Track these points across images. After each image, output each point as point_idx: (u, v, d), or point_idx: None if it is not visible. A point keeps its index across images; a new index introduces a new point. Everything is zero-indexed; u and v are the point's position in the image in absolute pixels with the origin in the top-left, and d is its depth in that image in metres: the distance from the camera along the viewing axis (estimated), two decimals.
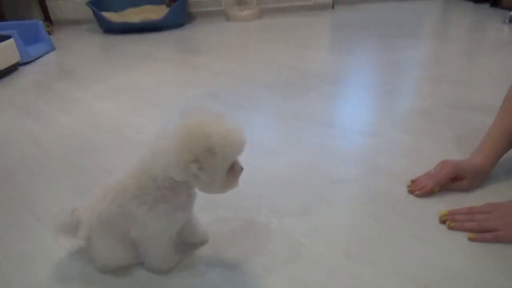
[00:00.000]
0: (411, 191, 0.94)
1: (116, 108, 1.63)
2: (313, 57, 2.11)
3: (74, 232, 0.75)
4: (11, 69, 2.17)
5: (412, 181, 0.97)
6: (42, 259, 0.84)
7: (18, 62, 2.23)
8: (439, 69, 1.78)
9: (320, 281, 0.73)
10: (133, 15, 3.11)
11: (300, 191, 1.00)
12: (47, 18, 3.33)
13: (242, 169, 0.69)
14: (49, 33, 3.03)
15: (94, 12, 2.97)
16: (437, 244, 0.79)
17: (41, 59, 2.45)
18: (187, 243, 0.83)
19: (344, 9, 3.28)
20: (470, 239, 0.78)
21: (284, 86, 1.71)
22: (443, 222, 0.83)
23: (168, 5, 3.13)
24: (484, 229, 0.79)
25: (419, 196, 0.92)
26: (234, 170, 0.67)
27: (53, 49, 2.64)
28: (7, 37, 2.14)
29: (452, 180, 0.92)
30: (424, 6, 3.08)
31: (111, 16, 3.02)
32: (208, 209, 0.95)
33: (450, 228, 0.82)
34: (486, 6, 2.80)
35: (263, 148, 1.23)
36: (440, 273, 0.72)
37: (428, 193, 0.92)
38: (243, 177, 1.03)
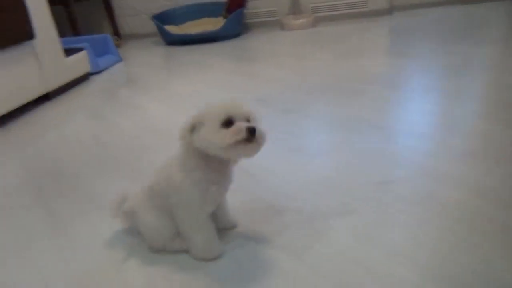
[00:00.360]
0: None
1: (170, 112, 1.73)
2: (367, 62, 2.07)
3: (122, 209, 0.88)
4: (83, 79, 2.38)
5: None
6: (98, 243, 0.91)
7: (89, 72, 2.44)
8: (505, 74, 1.66)
9: (358, 279, 0.72)
10: (192, 28, 3.27)
11: (345, 192, 0.99)
12: (116, 33, 3.61)
13: (249, 128, 0.70)
14: (118, 46, 3.28)
15: (157, 26, 3.16)
16: (487, 250, 0.74)
17: (109, 69, 2.66)
18: (218, 228, 0.87)
19: (402, 14, 3.18)
20: None
21: (335, 91, 1.70)
22: None
23: (224, 17, 3.25)
24: None
25: None
26: (233, 128, 0.70)
27: (120, 60, 2.86)
28: (80, 50, 2.36)
29: None
30: (488, 10, 2.89)
31: (172, 29, 3.21)
32: (253, 206, 0.98)
33: None
34: None
35: (310, 150, 1.24)
36: (484, 280, 0.68)
37: None
38: (287, 177, 1.04)
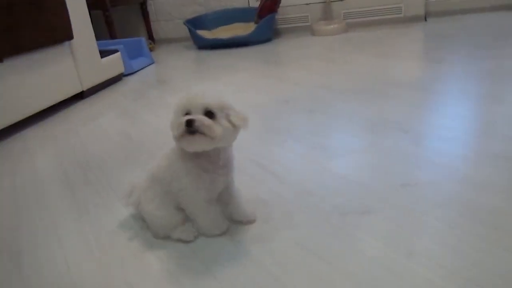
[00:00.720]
0: None
1: None
2: (398, 66, 2.02)
3: (131, 200, 0.93)
4: (116, 79, 2.46)
5: None
6: (118, 228, 0.94)
7: (122, 73, 2.52)
8: None
9: (377, 277, 0.69)
10: (224, 32, 3.32)
11: (366, 191, 0.96)
12: (150, 37, 3.73)
13: (186, 120, 0.72)
14: (151, 49, 3.38)
15: (189, 30, 3.24)
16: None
17: (142, 71, 2.74)
18: (234, 221, 0.90)
19: (437, 20, 3.10)
20: None
21: (362, 93, 1.67)
22: None
23: (256, 22, 3.28)
24: None
25: None
26: (177, 121, 0.75)
27: (152, 62, 2.94)
28: (115, 52, 2.45)
29: None
30: None
31: (204, 33, 3.27)
32: (271, 202, 0.97)
33: None
34: None
35: (332, 150, 1.22)
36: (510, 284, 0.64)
37: None
38: (308, 175, 1.03)
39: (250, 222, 0.90)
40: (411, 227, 0.82)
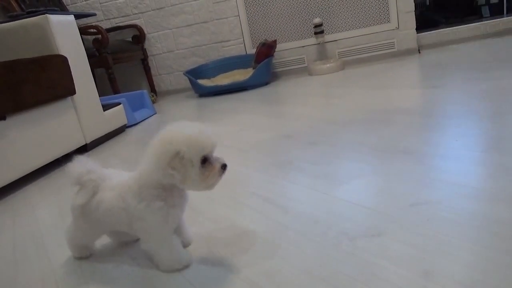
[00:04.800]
0: None
1: None
2: (396, 95, 2.03)
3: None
4: (119, 130, 2.49)
5: None
6: (122, 278, 0.89)
7: (125, 125, 2.55)
8: None
9: None
10: (223, 79, 3.40)
11: (375, 214, 0.92)
12: (152, 90, 3.83)
13: (223, 165, 0.78)
14: (154, 101, 3.46)
15: (189, 79, 3.32)
16: None
17: (145, 121, 2.78)
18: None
19: (431, 52, 3.16)
20: None
21: (362, 123, 1.66)
22: None
23: (254, 68, 3.37)
24: None
25: None
26: (211, 165, 0.76)
27: (155, 113, 2.99)
28: (117, 104, 2.50)
29: None
30: None
31: (204, 82, 3.35)
32: (278, 233, 0.93)
33: None
34: None
35: (337, 178, 1.19)
36: None
37: None
38: (313, 204, 1.01)
39: (189, 244, 0.93)
40: (425, 246, 0.77)
